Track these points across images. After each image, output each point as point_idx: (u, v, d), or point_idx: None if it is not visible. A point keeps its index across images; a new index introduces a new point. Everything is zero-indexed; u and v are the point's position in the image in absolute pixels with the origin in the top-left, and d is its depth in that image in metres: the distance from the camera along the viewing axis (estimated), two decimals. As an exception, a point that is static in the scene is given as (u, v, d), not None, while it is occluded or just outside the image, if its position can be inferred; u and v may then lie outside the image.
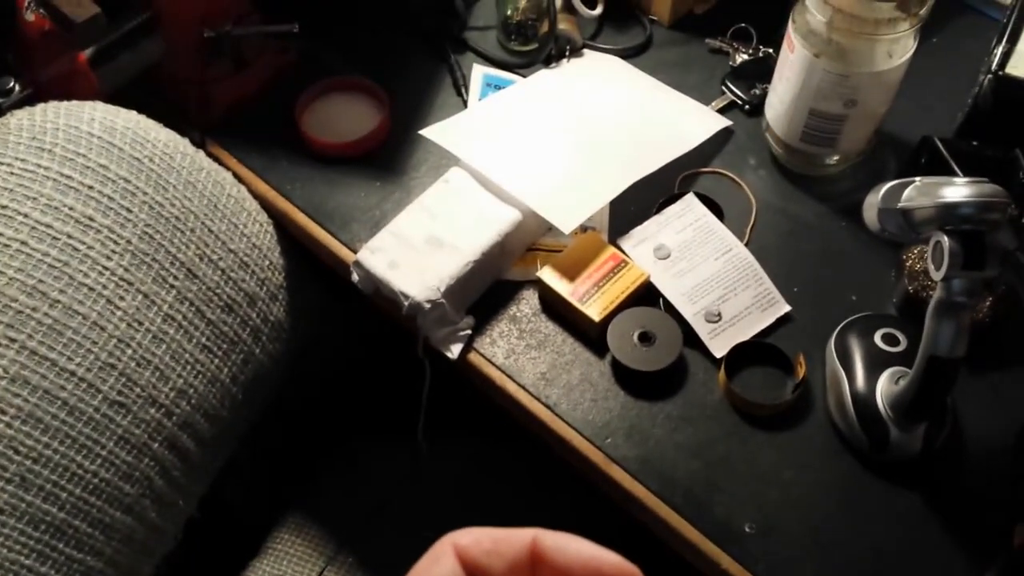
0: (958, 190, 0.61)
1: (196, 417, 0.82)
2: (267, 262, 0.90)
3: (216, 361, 0.85)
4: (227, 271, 0.86)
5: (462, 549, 0.32)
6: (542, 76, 0.98)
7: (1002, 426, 0.76)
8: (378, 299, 0.84)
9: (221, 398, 0.85)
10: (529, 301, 0.85)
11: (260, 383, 0.91)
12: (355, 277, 0.83)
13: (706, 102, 0.96)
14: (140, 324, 0.78)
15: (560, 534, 0.32)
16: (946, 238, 0.62)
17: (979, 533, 0.72)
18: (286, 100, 0.94)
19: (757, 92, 0.95)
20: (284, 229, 0.92)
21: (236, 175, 0.91)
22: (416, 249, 0.82)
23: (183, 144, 0.85)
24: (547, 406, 0.79)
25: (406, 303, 0.79)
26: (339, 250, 0.88)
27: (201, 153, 0.87)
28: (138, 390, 0.78)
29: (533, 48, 0.99)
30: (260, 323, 0.89)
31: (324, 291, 0.99)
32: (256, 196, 0.91)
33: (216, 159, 0.90)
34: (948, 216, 0.62)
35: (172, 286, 0.81)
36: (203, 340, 0.83)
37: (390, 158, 0.93)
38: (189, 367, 0.82)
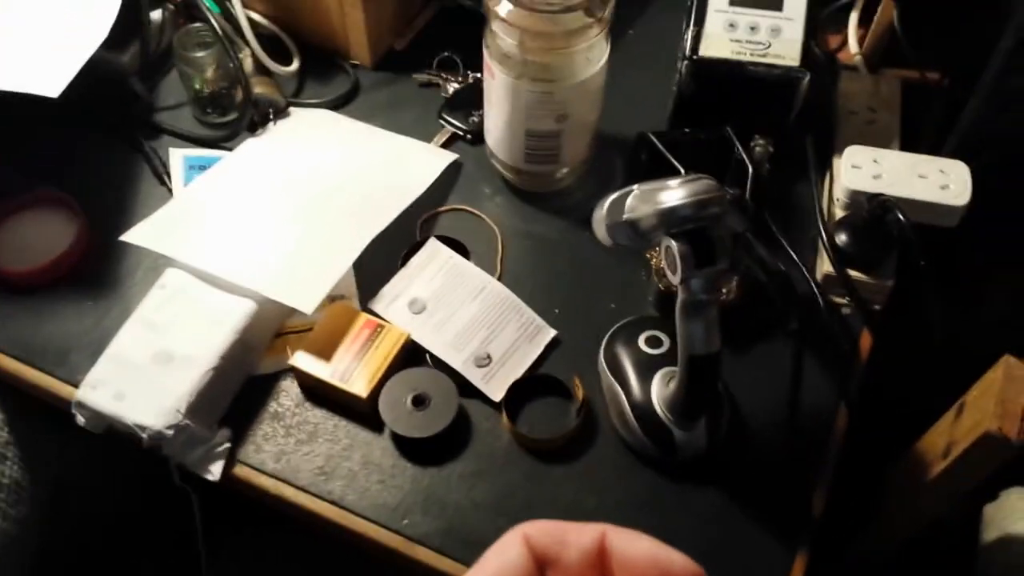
0: (673, 193, 0.61)
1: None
2: (-19, 422, 0.78)
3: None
4: (-69, 447, 0.73)
5: (532, 538, 0.33)
6: (250, 146, 0.91)
7: (775, 399, 0.77)
8: (116, 435, 0.74)
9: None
10: (289, 392, 0.78)
11: (12, 553, 0.80)
12: (80, 420, 0.73)
13: (427, 139, 0.93)
14: None
15: (628, 531, 0.33)
16: (674, 242, 0.61)
17: (782, 509, 0.73)
18: (-40, 234, 0.82)
19: (475, 119, 0.93)
20: (-7, 379, 0.81)
21: (-83, 334, 0.78)
22: (143, 370, 0.73)
23: None
24: (332, 502, 0.73)
25: (144, 435, 0.70)
26: (60, 389, 0.77)
27: None
28: None
29: (233, 118, 0.92)
30: (-9, 491, 0.78)
31: (63, 432, 0.88)
32: (-51, 351, 0.79)
33: None
34: (670, 220, 0.61)
35: None
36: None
37: (99, 271, 0.83)
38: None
